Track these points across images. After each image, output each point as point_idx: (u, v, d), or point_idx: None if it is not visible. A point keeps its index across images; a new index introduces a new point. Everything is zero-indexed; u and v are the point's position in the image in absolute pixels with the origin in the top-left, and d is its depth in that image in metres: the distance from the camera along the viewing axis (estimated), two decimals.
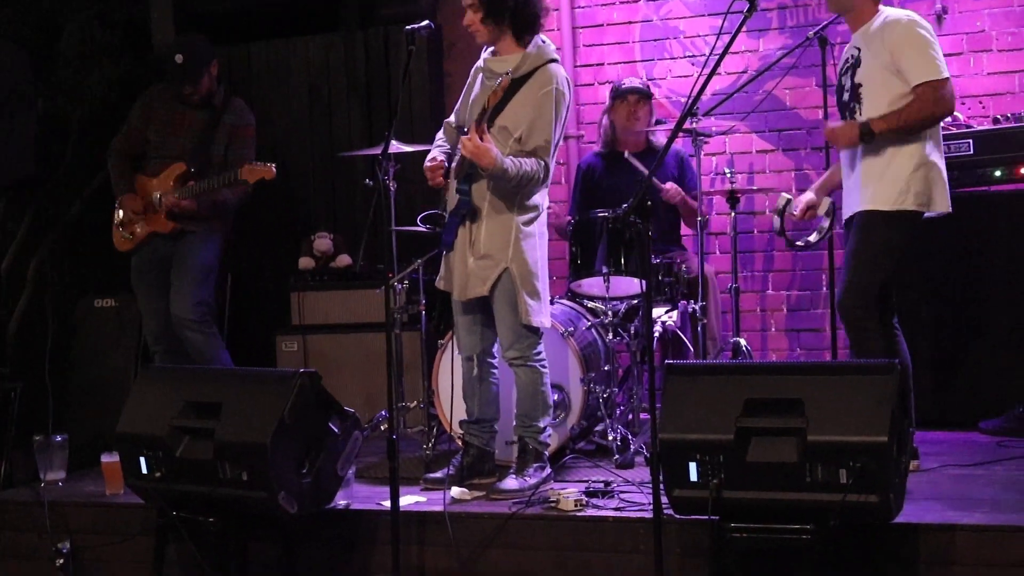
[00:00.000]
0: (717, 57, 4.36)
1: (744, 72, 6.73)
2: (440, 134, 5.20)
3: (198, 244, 6.05)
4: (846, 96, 4.99)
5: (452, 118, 5.19)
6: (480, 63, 5.11)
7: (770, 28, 6.76)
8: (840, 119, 5.04)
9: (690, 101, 4.60)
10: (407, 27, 4.84)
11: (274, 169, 5.79)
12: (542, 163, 4.88)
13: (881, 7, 4.99)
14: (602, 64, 7.16)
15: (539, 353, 5.03)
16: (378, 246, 6.58)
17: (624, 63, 7.10)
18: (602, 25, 7.16)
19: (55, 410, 6.68)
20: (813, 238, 5.47)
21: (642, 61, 7.07)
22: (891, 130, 4.76)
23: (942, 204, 4.89)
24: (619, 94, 6.40)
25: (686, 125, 5.69)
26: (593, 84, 7.18)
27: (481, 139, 4.74)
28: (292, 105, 7.71)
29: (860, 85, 4.90)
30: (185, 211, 5.94)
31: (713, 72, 4.42)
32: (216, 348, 6.07)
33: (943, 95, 4.79)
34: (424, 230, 5.62)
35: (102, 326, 6.81)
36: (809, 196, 5.31)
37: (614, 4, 7.12)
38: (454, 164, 5.00)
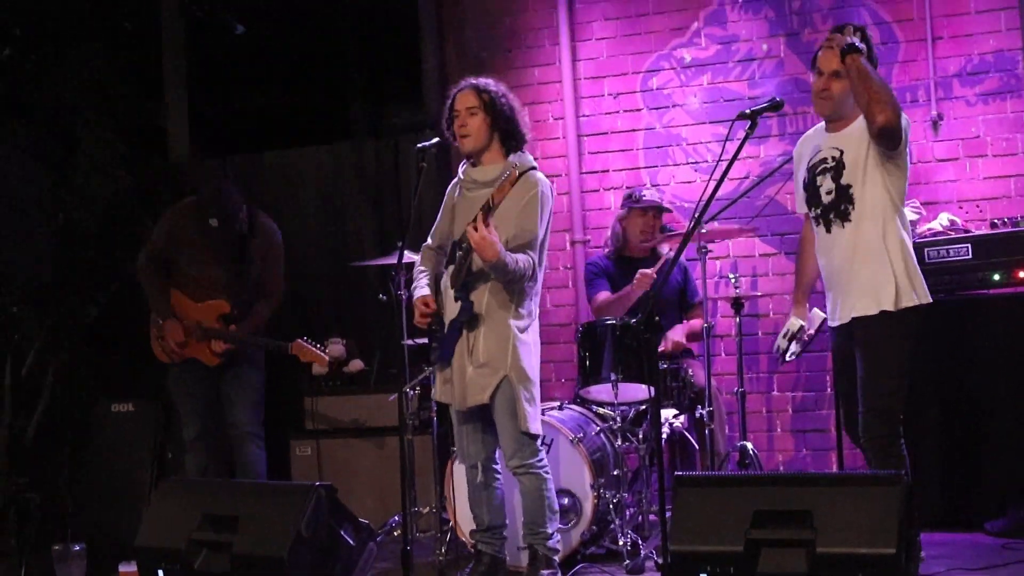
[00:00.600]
0: (723, 166, 4.42)
1: (746, 178, 6.82)
2: (418, 264, 5.21)
3: (246, 361, 6.15)
4: (829, 198, 4.89)
5: (430, 240, 5.23)
6: (459, 178, 5.17)
7: (771, 135, 6.86)
8: (819, 226, 4.96)
9: (697, 214, 4.68)
10: (418, 145, 4.97)
11: (327, 359, 5.99)
12: (532, 258, 4.95)
13: None
14: (607, 171, 7.25)
15: (541, 460, 5.05)
16: (390, 353, 6.62)
17: (629, 169, 7.20)
18: (606, 133, 7.26)
19: (72, 515, 6.69)
20: (798, 349, 5.33)
21: (646, 168, 7.16)
22: (865, 74, 4.70)
23: (926, 297, 4.89)
24: (639, 208, 6.45)
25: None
26: (598, 190, 7.26)
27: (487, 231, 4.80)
28: (304, 211, 7.80)
29: (850, 186, 4.85)
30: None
31: (719, 185, 4.50)
32: (264, 464, 6.17)
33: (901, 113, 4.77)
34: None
35: (119, 431, 6.83)
36: (809, 314, 5.28)
37: (618, 113, 7.23)
38: (448, 276, 5.06)
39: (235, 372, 6.12)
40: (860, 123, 4.87)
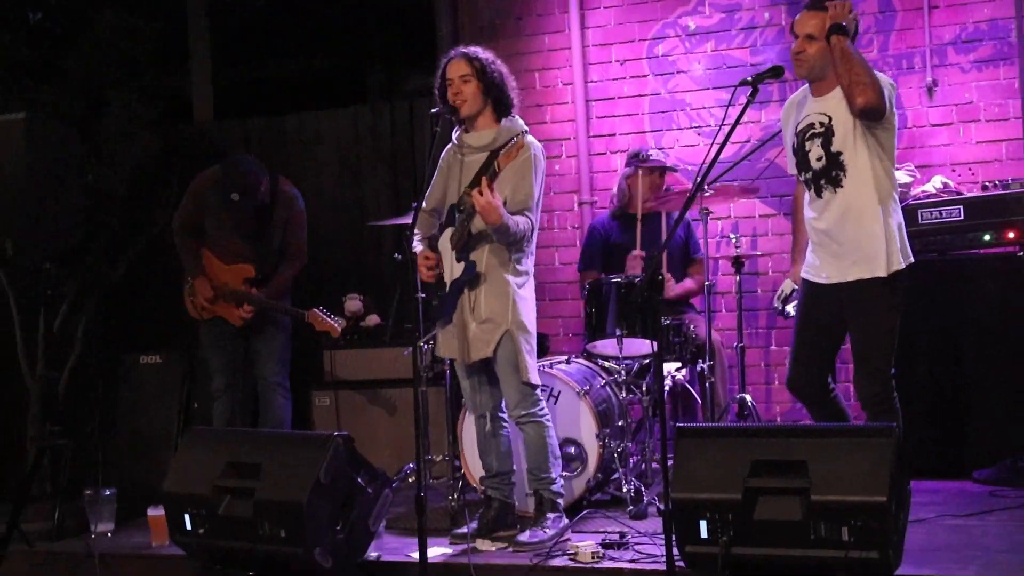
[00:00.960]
0: (725, 134, 4.42)
1: (747, 142, 6.81)
2: (417, 229, 5.17)
3: (273, 320, 6.28)
4: (820, 164, 4.84)
5: (425, 204, 5.21)
6: (452, 143, 5.18)
7: (771, 100, 6.84)
8: (810, 191, 4.92)
9: (699, 178, 4.68)
10: (432, 110, 4.96)
11: (340, 329, 6.11)
12: (531, 219, 5.00)
13: None
14: (614, 135, 7.24)
15: (542, 408, 5.11)
16: (405, 308, 6.64)
17: (635, 133, 7.18)
18: (613, 98, 7.24)
19: (103, 462, 6.75)
20: (792, 311, 5.29)
21: (651, 131, 7.15)
22: (848, 55, 4.68)
23: (910, 253, 4.89)
24: (646, 167, 6.46)
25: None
26: (605, 153, 7.26)
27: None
28: (323, 173, 7.82)
29: (840, 153, 4.81)
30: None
31: (721, 150, 4.49)
32: (289, 413, 6.31)
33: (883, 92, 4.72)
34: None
35: (147, 382, 6.93)
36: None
37: (624, 79, 7.22)
38: (447, 238, 5.09)
39: (261, 330, 6.25)
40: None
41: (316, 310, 6.12)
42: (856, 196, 4.80)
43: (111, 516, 5.70)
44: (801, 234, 5.21)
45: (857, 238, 4.80)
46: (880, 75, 4.78)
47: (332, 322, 6.10)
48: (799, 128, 4.95)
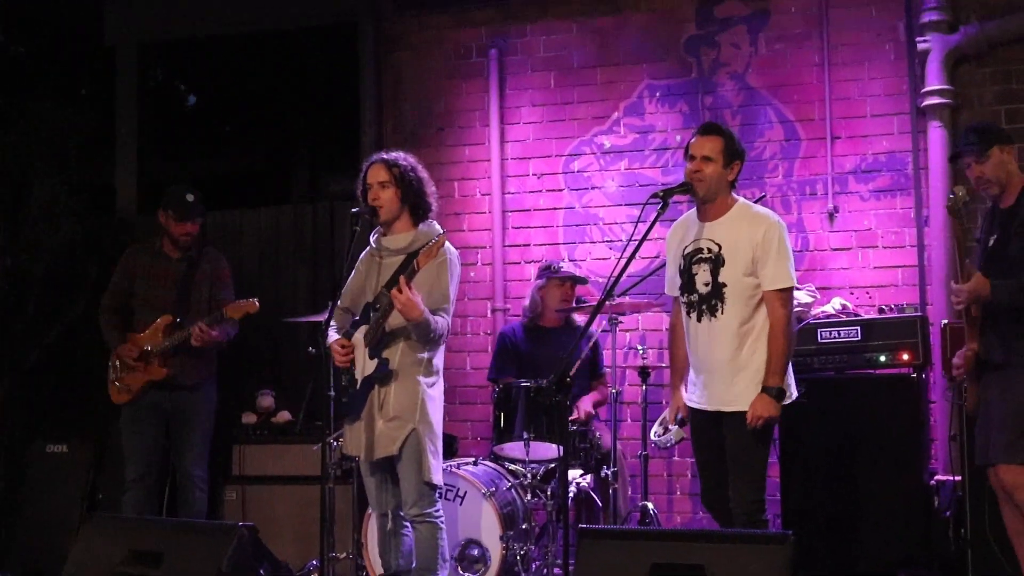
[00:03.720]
0: (634, 245, 4.47)
1: (657, 257, 6.86)
2: (332, 322, 5.16)
3: (197, 398, 6.15)
4: (704, 289, 4.85)
5: (341, 301, 5.21)
6: (371, 246, 5.18)
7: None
8: (691, 312, 4.90)
9: (608, 286, 4.73)
10: (352, 210, 4.96)
11: (257, 303, 5.94)
12: (447, 320, 5.00)
13: (735, 196, 4.98)
14: (528, 245, 7.30)
15: (438, 510, 5.04)
16: (316, 405, 6.56)
17: (549, 245, 7.25)
18: (529, 210, 7.33)
19: (4, 549, 6.54)
20: (675, 439, 5.19)
21: (565, 243, 7.23)
22: (783, 373, 4.77)
23: (793, 394, 4.91)
24: (557, 278, 6.48)
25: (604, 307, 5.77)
26: (520, 263, 7.31)
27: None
28: (243, 269, 7.74)
29: (725, 285, 4.82)
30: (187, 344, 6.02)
31: (631, 259, 4.57)
32: (206, 507, 6.18)
33: (789, 299, 4.82)
34: None
35: (52, 471, 6.74)
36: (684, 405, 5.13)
37: (540, 192, 7.31)
38: (360, 334, 5.06)
39: (187, 407, 6.10)
40: (737, 215, 4.88)
41: (230, 303, 6.00)
42: (733, 329, 4.82)
43: None
44: (677, 361, 5.16)
45: (731, 370, 4.82)
46: (768, 214, 4.89)
47: (247, 302, 5.97)
48: (687, 251, 4.97)
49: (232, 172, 9.61)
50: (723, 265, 4.84)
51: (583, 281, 6.66)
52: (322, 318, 5.16)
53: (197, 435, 6.15)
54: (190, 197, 6.12)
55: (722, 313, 4.84)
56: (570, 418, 6.06)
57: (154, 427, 6.13)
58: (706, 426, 4.95)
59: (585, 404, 6.31)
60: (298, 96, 8.91)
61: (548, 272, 6.54)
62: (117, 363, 6.12)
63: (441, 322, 4.96)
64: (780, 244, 4.83)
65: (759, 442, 4.79)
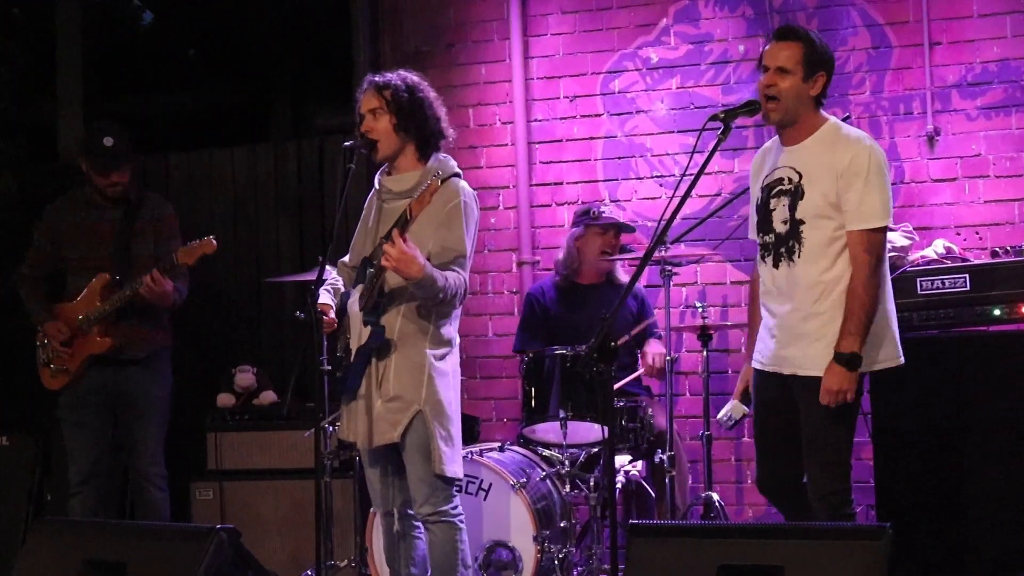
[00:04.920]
0: (690, 180, 4.42)
1: (718, 195, 6.85)
2: (334, 273, 5.18)
3: (149, 377, 6.16)
4: (782, 228, 4.83)
5: (347, 258, 5.19)
6: (375, 188, 5.12)
7: (746, 147, 6.89)
8: (767, 256, 4.88)
9: (658, 230, 4.67)
10: (345, 143, 4.90)
11: (214, 241, 5.91)
12: (461, 275, 4.91)
13: (825, 115, 4.93)
14: (560, 183, 7.27)
15: (456, 507, 4.99)
16: (308, 384, 6.57)
17: (585, 183, 7.23)
18: (561, 141, 7.29)
19: None
20: (737, 416, 5.19)
21: (604, 181, 7.20)
22: (860, 335, 4.70)
23: (893, 358, 4.89)
24: (598, 226, 6.46)
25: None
26: (551, 205, 7.29)
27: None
28: (214, 222, 7.74)
29: (802, 222, 4.79)
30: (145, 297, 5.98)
31: (685, 197, 4.49)
32: (168, 508, 6.20)
33: (878, 242, 4.76)
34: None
35: None
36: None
37: (574, 118, 7.27)
38: (357, 296, 5.00)
39: (135, 389, 6.11)
40: (822, 138, 4.84)
41: (182, 247, 5.96)
42: (815, 278, 4.78)
43: None
44: (756, 326, 5.14)
45: (807, 328, 4.80)
46: (861, 136, 4.85)
47: (204, 241, 5.92)
48: (766, 181, 4.95)
49: (199, 107, 9.64)
50: (802, 198, 4.80)
51: (630, 229, 6.61)
52: (311, 278, 5.13)
53: (152, 424, 6.17)
54: (108, 141, 6.05)
55: (799, 257, 4.80)
56: (638, 371, 6.08)
57: (99, 415, 6.15)
58: (773, 390, 4.92)
59: (655, 347, 6.26)
60: (276, 12, 8.90)
61: (587, 219, 6.50)
62: (45, 342, 6.13)
63: (454, 279, 4.86)
64: (871, 174, 4.75)
65: (839, 419, 4.76)
